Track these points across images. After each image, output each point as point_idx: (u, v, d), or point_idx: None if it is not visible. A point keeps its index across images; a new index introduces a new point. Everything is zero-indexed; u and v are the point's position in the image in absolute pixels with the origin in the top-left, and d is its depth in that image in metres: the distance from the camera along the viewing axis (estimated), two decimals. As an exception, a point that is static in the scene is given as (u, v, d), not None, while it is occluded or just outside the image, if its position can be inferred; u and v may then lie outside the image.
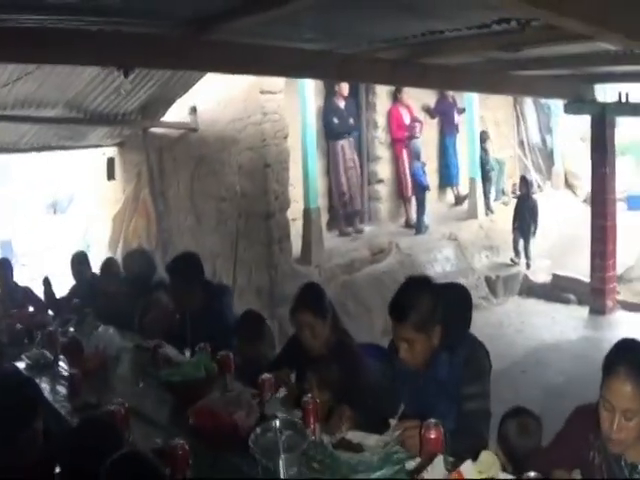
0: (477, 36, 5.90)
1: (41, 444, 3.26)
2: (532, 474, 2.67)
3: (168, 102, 10.35)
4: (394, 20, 5.41)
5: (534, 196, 13.08)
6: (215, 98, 10.09)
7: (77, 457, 2.85)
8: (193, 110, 10.53)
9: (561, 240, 13.80)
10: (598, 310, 11.08)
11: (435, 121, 13.58)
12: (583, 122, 13.93)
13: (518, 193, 13.20)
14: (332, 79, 10.08)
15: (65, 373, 4.80)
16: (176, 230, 11.39)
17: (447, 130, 13.56)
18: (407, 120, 12.42)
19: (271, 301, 9.55)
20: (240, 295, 9.42)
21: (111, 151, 12.43)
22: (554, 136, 15.98)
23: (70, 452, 2.91)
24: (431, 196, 12.86)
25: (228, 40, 5.85)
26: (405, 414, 3.82)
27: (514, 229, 12.64)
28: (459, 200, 13.97)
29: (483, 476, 2.83)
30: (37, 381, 4.20)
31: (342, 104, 11.25)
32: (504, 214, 13.50)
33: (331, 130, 11.27)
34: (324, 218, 11.21)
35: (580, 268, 11.97)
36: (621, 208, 11.76)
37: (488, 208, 13.65)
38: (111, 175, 12.47)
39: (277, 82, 9.42)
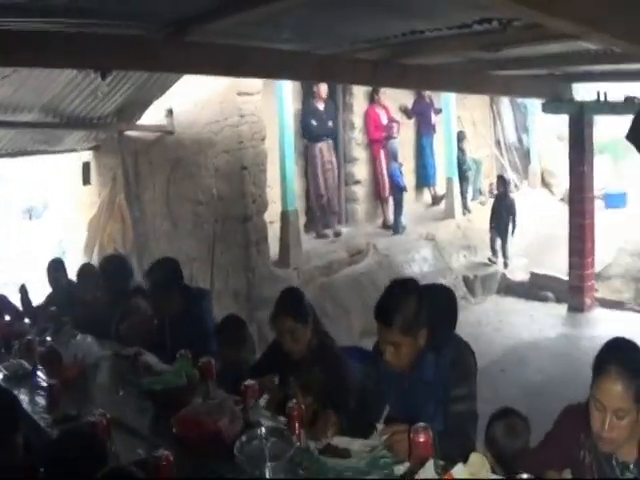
0: (458, 36, 5.88)
1: (21, 458, 3.18)
2: (524, 476, 2.64)
3: (144, 105, 10.25)
4: (374, 20, 5.37)
5: (512, 195, 13.11)
6: (192, 100, 10.00)
7: (59, 471, 2.78)
8: (169, 112, 10.43)
9: (538, 239, 13.85)
10: (576, 308, 11.12)
11: (412, 121, 13.60)
12: (560, 121, 14.01)
13: (495, 192, 13.22)
14: (311, 80, 10.04)
15: (44, 384, 4.69)
16: (152, 234, 11.30)
17: (424, 130, 13.57)
18: (384, 121, 12.41)
19: (249, 304, 9.49)
20: (217, 299, 9.34)
21: (86, 155, 12.29)
22: (531, 135, 16.06)
23: (52, 466, 2.84)
24: (408, 196, 12.85)
25: (206, 42, 5.80)
26: (391, 416, 3.83)
27: (491, 228, 12.66)
28: (436, 200, 13.98)
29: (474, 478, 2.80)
30: (15, 392, 4.10)
31: (321, 106, 11.20)
32: (481, 214, 13.54)
33: (310, 132, 11.21)
34: (301, 220, 11.15)
35: (557, 266, 12.02)
36: (599, 206, 11.82)
37: (465, 208, 13.68)
38: (87, 180, 12.35)
39: (254, 83, 9.34)
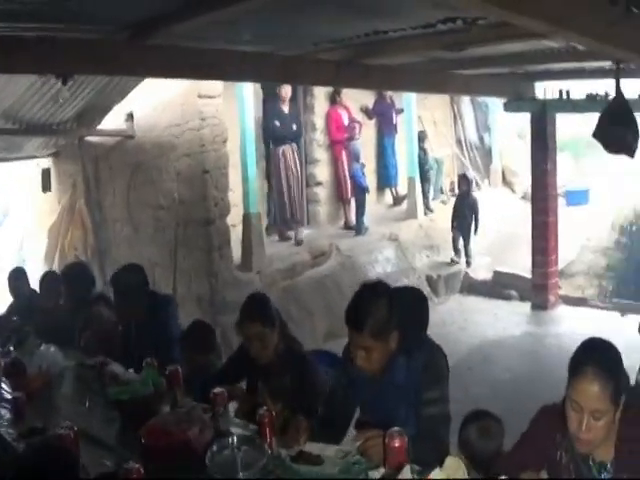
0: (421, 36, 5.86)
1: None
2: (503, 477, 2.62)
3: (104, 109, 10.11)
4: (338, 21, 5.33)
5: (474, 193, 13.14)
6: (152, 104, 9.89)
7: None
8: (130, 117, 10.32)
9: (500, 237, 13.92)
10: (540, 306, 11.18)
11: (373, 122, 13.56)
12: (520, 119, 14.10)
13: (458, 191, 13.25)
14: (274, 82, 9.95)
15: (8, 396, 4.57)
16: (113, 240, 11.18)
17: (386, 131, 13.53)
18: (346, 122, 12.38)
19: (212, 309, 9.40)
20: (181, 304, 9.12)
21: (46, 162, 12.13)
22: (492, 134, 16.11)
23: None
24: (370, 197, 12.81)
25: (168, 44, 5.72)
26: (361, 421, 3.79)
27: (453, 227, 12.67)
28: (398, 200, 13.98)
29: (451, 482, 2.78)
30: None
31: (285, 108, 11.11)
32: (443, 213, 13.57)
33: (273, 135, 11.12)
34: (264, 223, 11.08)
35: (520, 264, 12.10)
36: (560, 203, 11.88)
37: (427, 207, 13.69)
38: (46, 187, 12.18)
39: (215, 86, 9.25)
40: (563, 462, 2.92)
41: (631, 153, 7.04)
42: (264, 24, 5.38)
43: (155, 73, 6.73)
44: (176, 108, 9.57)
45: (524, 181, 14.90)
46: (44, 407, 4.34)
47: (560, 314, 11.04)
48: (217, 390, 3.78)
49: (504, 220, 14.36)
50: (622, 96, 7.03)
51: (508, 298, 11.87)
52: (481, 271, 12.63)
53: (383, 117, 13.47)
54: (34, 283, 7.03)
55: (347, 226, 12.63)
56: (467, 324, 10.88)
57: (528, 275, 11.53)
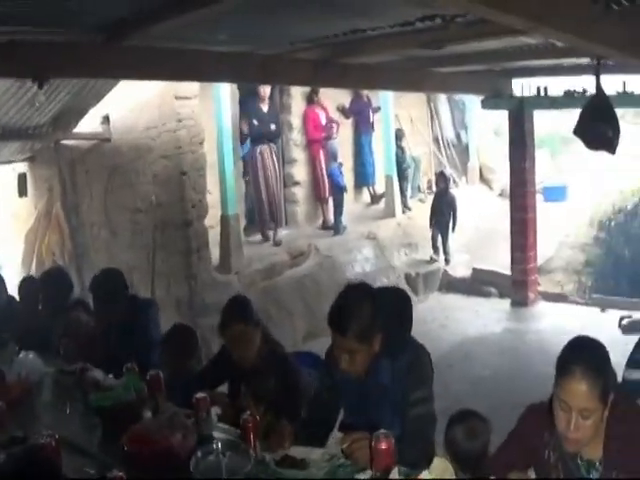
0: (400, 34, 5.85)
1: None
2: (492, 478, 2.60)
3: (80, 112, 10.02)
4: (315, 19, 5.31)
5: (452, 191, 13.16)
6: (128, 106, 9.82)
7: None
8: (106, 119, 10.23)
9: (478, 234, 13.95)
10: (520, 302, 11.23)
11: (350, 121, 13.55)
12: (497, 116, 14.14)
13: (436, 189, 13.26)
14: (252, 82, 9.90)
15: (-13, 405, 4.54)
16: (91, 244, 11.09)
17: (363, 129, 13.53)
18: (323, 121, 12.38)
19: (191, 312, 9.36)
20: (159, 308, 9.19)
21: (22, 166, 12.03)
22: (469, 131, 16.15)
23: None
24: (347, 196, 12.80)
25: (144, 46, 5.69)
26: (346, 423, 3.77)
27: (432, 225, 12.68)
28: (375, 199, 14.00)
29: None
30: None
31: (264, 108, 11.08)
32: (421, 211, 13.60)
33: (250, 134, 11.10)
34: (242, 224, 11.04)
35: (498, 261, 12.14)
36: (537, 200, 11.92)
37: (405, 206, 13.73)
38: (23, 191, 12.08)
39: (192, 87, 9.21)
40: (551, 461, 2.90)
41: (612, 149, 7.06)
42: (241, 24, 5.36)
43: (132, 75, 6.69)
44: (153, 110, 9.51)
45: (502, 178, 14.95)
46: (24, 415, 4.26)
47: (540, 310, 11.08)
48: (199, 395, 3.74)
49: (482, 217, 14.39)
50: (603, 92, 7.05)
51: (487, 295, 11.91)
52: (460, 268, 12.65)
53: (360, 116, 13.47)
54: (12, 289, 6.96)
55: (325, 226, 12.63)
56: (447, 322, 10.90)
57: (507, 272, 11.57)
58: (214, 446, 3.18)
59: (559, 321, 10.25)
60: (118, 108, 9.98)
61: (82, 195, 11.10)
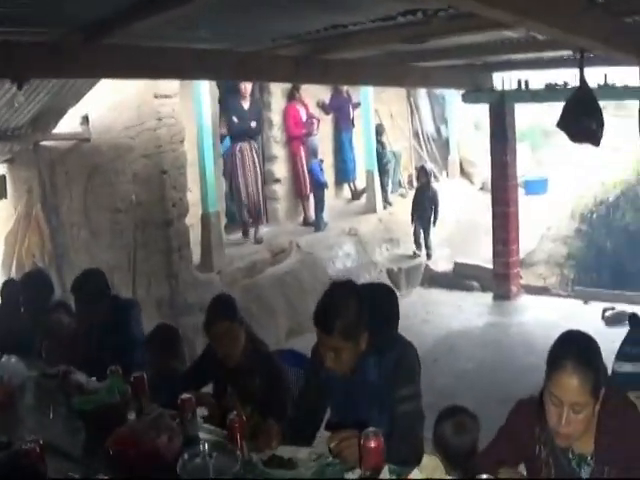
0: (381, 29, 5.84)
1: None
2: (484, 476, 2.58)
3: (60, 113, 9.93)
4: (296, 15, 5.28)
5: (434, 185, 13.16)
6: (108, 105, 9.73)
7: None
8: (85, 119, 10.13)
9: (460, 228, 13.98)
10: (502, 296, 11.25)
11: (330, 117, 13.52)
12: (477, 110, 14.16)
13: (417, 183, 13.26)
14: (233, 79, 9.87)
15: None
16: (71, 245, 11.02)
17: (343, 125, 13.50)
18: (304, 117, 12.33)
19: (172, 311, 9.31)
20: (141, 308, 9.17)
21: (1, 168, 11.92)
22: (449, 126, 16.16)
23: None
24: (328, 192, 12.76)
25: (124, 44, 5.63)
26: (333, 422, 3.74)
27: (414, 220, 12.67)
28: (356, 195, 13.99)
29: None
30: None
31: (245, 105, 11.02)
32: (402, 206, 13.60)
33: (230, 132, 11.06)
34: (222, 222, 10.99)
35: (480, 255, 12.17)
36: (519, 193, 11.94)
37: (386, 201, 13.71)
38: (2, 194, 11.97)
39: (172, 85, 9.13)
40: (542, 456, 2.89)
41: (596, 142, 7.06)
42: (221, 21, 5.32)
43: (113, 74, 6.62)
44: (132, 109, 9.43)
45: (482, 172, 14.98)
46: (8, 420, 4.23)
47: (523, 304, 11.11)
48: (184, 396, 3.69)
49: (463, 211, 14.42)
50: (586, 85, 7.04)
51: (470, 289, 11.93)
52: (442, 263, 12.67)
53: (340, 112, 13.43)
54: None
55: (306, 222, 12.60)
56: (430, 316, 10.91)
57: (489, 266, 11.60)
58: (201, 447, 3.14)
59: (542, 314, 10.28)
60: (97, 108, 9.89)
61: (62, 196, 11.02)
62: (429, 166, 14.32)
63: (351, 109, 13.44)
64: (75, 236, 10.91)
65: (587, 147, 7.82)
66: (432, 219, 12.62)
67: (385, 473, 2.85)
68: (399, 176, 14.74)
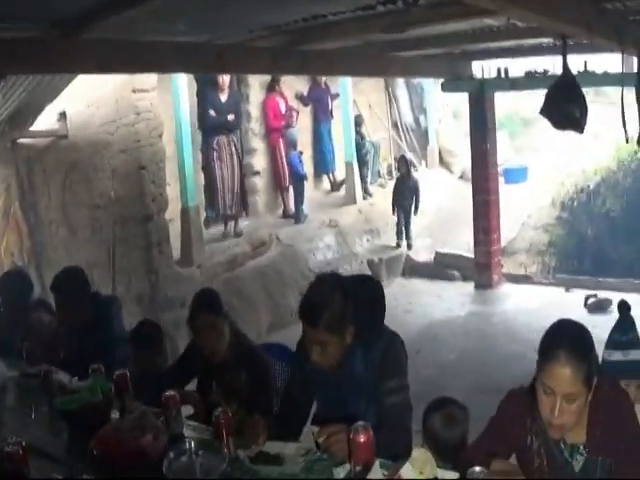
0: (361, 19, 5.81)
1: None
2: (477, 469, 2.54)
3: (37, 110, 9.83)
4: (274, 6, 5.23)
5: (414, 174, 13.15)
6: (85, 101, 9.65)
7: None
8: (62, 116, 10.03)
9: (439, 218, 14.02)
10: (484, 285, 11.28)
11: (308, 108, 13.48)
12: (455, 99, 14.16)
13: (398, 173, 13.26)
14: (211, 72, 9.80)
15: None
16: (49, 243, 10.93)
17: (321, 117, 13.46)
18: (283, 109, 12.30)
19: (153, 307, 9.27)
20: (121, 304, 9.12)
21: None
22: (428, 115, 16.14)
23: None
24: (308, 184, 12.76)
25: (101, 39, 5.60)
26: (320, 417, 3.71)
27: (395, 210, 12.66)
28: (336, 186, 13.97)
29: (423, 477, 2.70)
30: None
31: (223, 98, 10.94)
32: (382, 196, 13.63)
33: (206, 125, 10.98)
34: (202, 216, 10.94)
35: (460, 244, 12.21)
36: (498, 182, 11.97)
37: (366, 192, 13.74)
38: (-20, 193, 11.89)
39: (149, 79, 9.06)
40: (534, 447, 2.87)
41: (580, 129, 7.05)
42: (198, 13, 5.27)
43: (91, 69, 6.53)
44: (110, 104, 9.34)
45: (462, 161, 15.01)
46: (-10, 423, 4.17)
47: (504, 292, 11.15)
48: (169, 393, 3.65)
49: (443, 201, 14.44)
50: (569, 72, 7.02)
51: (451, 279, 11.96)
52: (422, 253, 12.70)
53: (318, 103, 13.40)
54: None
55: (286, 215, 12.58)
56: (412, 307, 10.92)
57: (470, 255, 11.61)
58: (187, 446, 3.09)
59: (524, 302, 10.31)
60: (75, 104, 9.80)
61: (40, 193, 10.92)
62: (409, 156, 14.32)
63: (330, 100, 13.41)
64: (54, 233, 10.82)
65: (566, 135, 7.83)
66: (413, 208, 12.62)
67: (376, 468, 2.81)
68: (378, 166, 14.75)
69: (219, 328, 4.16)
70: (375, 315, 3.69)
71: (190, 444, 3.08)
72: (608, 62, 8.47)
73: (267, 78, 12.05)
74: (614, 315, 3.57)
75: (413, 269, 12.51)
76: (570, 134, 7.57)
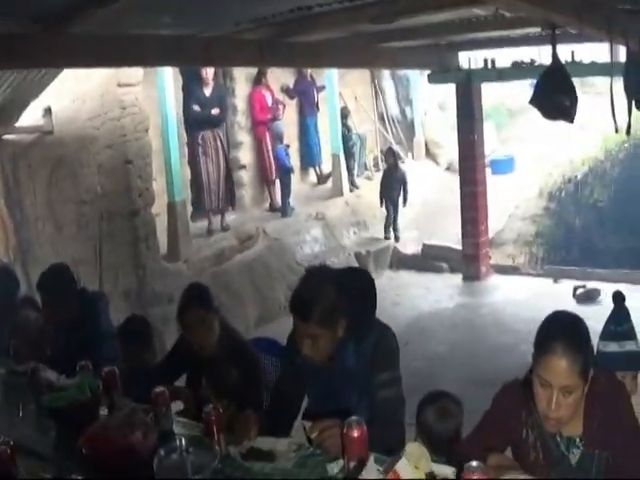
0: (347, 9, 5.77)
1: None
2: (474, 463, 2.51)
3: (22, 106, 9.74)
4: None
5: (402, 166, 13.14)
6: (71, 96, 9.56)
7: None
8: (47, 111, 9.92)
9: (426, 210, 14.02)
10: (472, 276, 11.28)
11: (294, 101, 13.43)
12: (442, 91, 14.14)
13: (385, 165, 13.24)
14: (197, 65, 9.74)
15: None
16: (35, 240, 10.84)
17: (307, 109, 13.40)
18: (270, 102, 12.23)
19: (140, 302, 9.24)
20: (109, 300, 9.07)
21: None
22: (414, 107, 16.13)
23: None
24: (294, 177, 12.75)
25: (86, 33, 5.57)
26: (311, 411, 3.68)
27: (383, 203, 12.65)
28: (322, 179, 13.94)
29: (418, 472, 2.67)
30: None
31: (207, 92, 10.87)
32: (369, 189, 13.62)
33: (191, 120, 10.91)
34: (188, 210, 10.90)
35: (448, 236, 12.19)
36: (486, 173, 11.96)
37: (353, 184, 13.72)
38: (-36, 190, 11.80)
39: (135, 74, 8.99)
40: (530, 440, 2.85)
41: (570, 119, 7.03)
42: (183, 5, 5.21)
43: (76, 63, 6.51)
44: (95, 99, 9.28)
45: (448, 152, 15.00)
46: (-25, 420, 4.13)
47: (492, 284, 11.15)
48: (158, 389, 3.61)
49: (429, 193, 14.44)
50: (559, 61, 7.00)
51: (439, 271, 11.96)
52: (410, 245, 12.70)
53: (304, 96, 13.34)
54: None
55: (273, 208, 12.56)
56: (400, 299, 10.91)
57: (458, 246, 11.61)
58: (177, 443, 3.06)
59: (512, 293, 10.32)
60: (60, 99, 9.70)
61: (25, 190, 10.82)
62: (396, 147, 14.30)
63: (315, 93, 13.37)
64: (40, 230, 10.74)
65: (553, 125, 7.80)
66: (402, 200, 12.61)
67: (371, 463, 2.77)
68: (364, 159, 14.73)
69: (208, 324, 4.12)
70: (366, 307, 3.67)
71: (180, 441, 3.05)
72: (594, 52, 8.48)
73: (253, 71, 12.00)
74: (603, 305, 3.58)
75: (401, 261, 12.50)
76: (557, 124, 7.56)
